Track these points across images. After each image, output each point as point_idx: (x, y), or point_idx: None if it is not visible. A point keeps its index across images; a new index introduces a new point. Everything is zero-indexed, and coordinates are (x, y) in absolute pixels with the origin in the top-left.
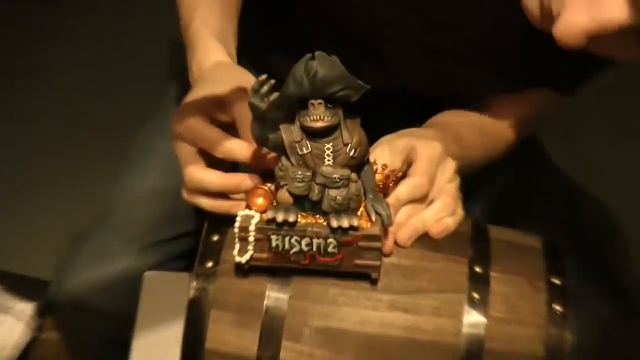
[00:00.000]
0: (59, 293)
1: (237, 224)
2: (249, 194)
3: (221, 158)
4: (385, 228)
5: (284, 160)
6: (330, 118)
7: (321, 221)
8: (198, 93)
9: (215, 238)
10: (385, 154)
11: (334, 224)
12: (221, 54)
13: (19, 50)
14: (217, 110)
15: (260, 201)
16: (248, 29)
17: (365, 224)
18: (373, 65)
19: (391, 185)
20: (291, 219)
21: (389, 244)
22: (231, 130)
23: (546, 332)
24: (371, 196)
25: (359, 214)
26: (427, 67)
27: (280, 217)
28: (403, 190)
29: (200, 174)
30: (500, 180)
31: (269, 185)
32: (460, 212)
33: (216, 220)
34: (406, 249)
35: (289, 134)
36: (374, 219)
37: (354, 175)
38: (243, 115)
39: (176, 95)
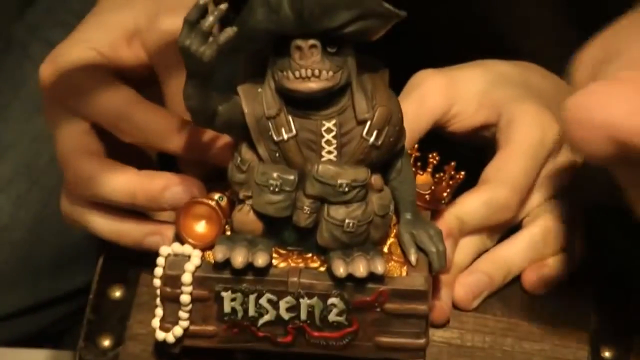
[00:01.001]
0: None
1: (157, 271)
2: (181, 212)
3: (131, 143)
4: (435, 276)
5: (245, 151)
6: (331, 73)
7: (315, 264)
8: (87, 28)
9: (117, 294)
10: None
11: (340, 270)
12: None
13: None
14: (123, 60)
15: (201, 227)
16: None
17: (397, 268)
18: None
19: (446, 193)
20: (259, 261)
21: (442, 306)
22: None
23: None
24: (409, 216)
25: (385, 249)
26: None
27: (238, 260)
28: (472, 206)
29: (96, 169)
30: None
31: (216, 197)
32: (577, 247)
33: (118, 261)
34: (475, 315)
35: (255, 103)
36: (413, 259)
37: (376, 179)
38: (171, 69)
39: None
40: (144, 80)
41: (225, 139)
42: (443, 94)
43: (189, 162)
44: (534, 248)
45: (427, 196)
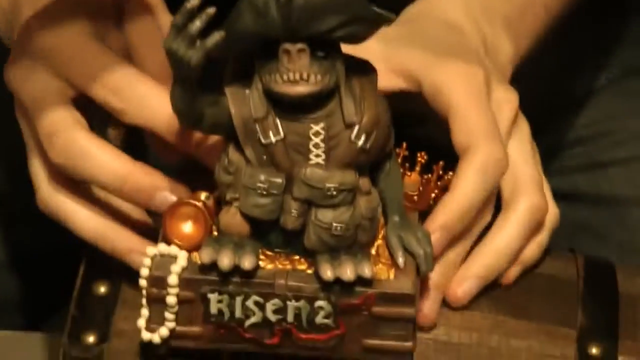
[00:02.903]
0: None
1: (143, 271)
2: (167, 213)
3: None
4: (422, 278)
5: (232, 152)
6: (319, 77)
7: (302, 266)
8: None
9: (102, 289)
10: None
11: (327, 273)
12: None
13: None
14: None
15: (187, 228)
16: None
17: (384, 271)
18: None
19: (434, 194)
20: (246, 264)
21: (429, 307)
22: None
23: None
24: (397, 218)
25: (372, 251)
26: None
27: (225, 261)
28: (469, 182)
29: (91, 144)
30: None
31: (203, 197)
32: (553, 220)
33: (103, 256)
34: (462, 312)
35: (242, 104)
36: (401, 262)
37: (364, 182)
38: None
39: None
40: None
41: (209, 141)
42: None
43: (165, 147)
44: (519, 231)
45: (415, 197)
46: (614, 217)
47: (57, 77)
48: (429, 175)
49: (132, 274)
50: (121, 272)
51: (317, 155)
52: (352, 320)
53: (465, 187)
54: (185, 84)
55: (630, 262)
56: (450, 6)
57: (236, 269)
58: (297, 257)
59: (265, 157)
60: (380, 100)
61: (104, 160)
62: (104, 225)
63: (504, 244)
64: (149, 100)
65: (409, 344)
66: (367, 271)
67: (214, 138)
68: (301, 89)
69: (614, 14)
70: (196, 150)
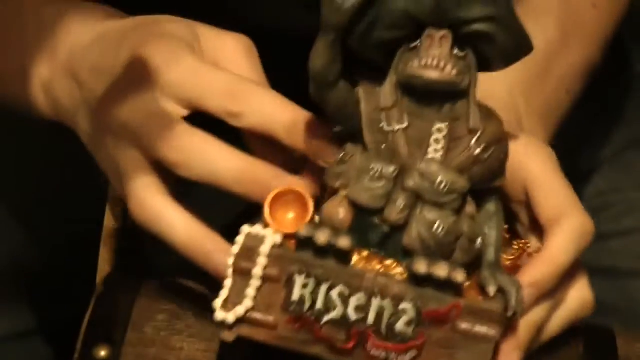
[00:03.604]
0: None
1: (234, 248)
2: (270, 198)
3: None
4: (511, 318)
5: (349, 145)
6: (454, 72)
7: (396, 269)
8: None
9: (102, 353)
10: None
11: (421, 267)
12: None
13: None
14: None
15: (288, 216)
16: None
17: (474, 294)
18: None
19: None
20: (342, 242)
21: (509, 349)
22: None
23: None
24: (492, 259)
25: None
26: None
27: (321, 237)
28: (562, 249)
29: (207, 146)
30: None
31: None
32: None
33: (104, 320)
34: None
35: (372, 95)
36: (491, 290)
37: (470, 204)
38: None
39: None
40: None
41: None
42: None
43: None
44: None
45: (508, 261)
46: (615, 288)
47: None
48: (520, 242)
49: (132, 339)
50: (122, 336)
51: (436, 151)
52: (433, 334)
53: (558, 251)
54: (331, 36)
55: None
56: (497, 89)
57: (330, 251)
58: (390, 261)
59: (384, 145)
60: (501, 122)
61: (222, 154)
62: (197, 228)
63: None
64: (267, 102)
65: None
66: (460, 277)
67: (327, 138)
68: (434, 75)
69: (615, 87)
70: (310, 148)
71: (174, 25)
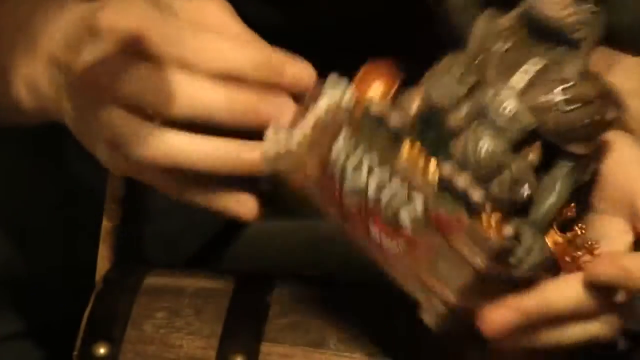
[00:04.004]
0: None
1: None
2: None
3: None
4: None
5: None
6: (574, 17)
7: (421, 163)
8: None
9: (101, 351)
10: None
11: (446, 170)
12: None
13: None
14: None
15: (377, 85)
16: None
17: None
18: None
19: (573, 258)
20: (393, 121)
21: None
22: None
23: None
24: (535, 217)
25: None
26: None
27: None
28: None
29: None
30: None
31: None
32: None
33: (103, 317)
34: None
35: (492, 19)
36: (506, 232)
37: (533, 155)
38: None
39: None
40: None
41: None
42: None
43: None
44: None
45: (560, 240)
46: None
47: None
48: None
49: (132, 336)
50: (121, 333)
51: (519, 81)
52: (428, 237)
53: None
54: None
55: None
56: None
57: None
58: (433, 161)
59: (479, 58)
60: (600, 93)
61: (233, 43)
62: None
63: None
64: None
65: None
66: (476, 195)
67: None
68: (551, 12)
69: None
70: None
71: None
